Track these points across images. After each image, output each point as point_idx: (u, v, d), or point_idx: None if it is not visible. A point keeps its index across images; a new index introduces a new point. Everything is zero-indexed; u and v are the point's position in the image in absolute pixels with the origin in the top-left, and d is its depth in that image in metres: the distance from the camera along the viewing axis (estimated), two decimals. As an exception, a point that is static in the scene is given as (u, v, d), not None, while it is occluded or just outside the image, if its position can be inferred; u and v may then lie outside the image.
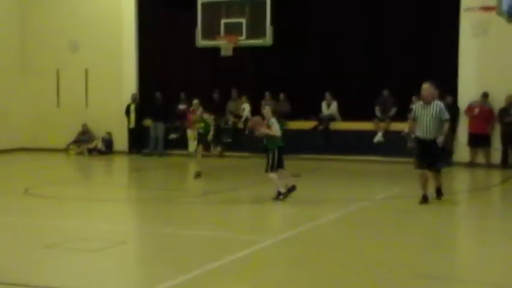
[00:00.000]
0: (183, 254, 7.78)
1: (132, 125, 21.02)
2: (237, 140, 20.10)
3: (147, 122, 20.97)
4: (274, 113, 12.27)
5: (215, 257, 7.42)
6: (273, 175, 11.31)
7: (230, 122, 20.47)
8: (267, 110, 11.69)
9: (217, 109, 20.61)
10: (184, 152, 20.14)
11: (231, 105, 20.66)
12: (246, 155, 19.60)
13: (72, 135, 21.34)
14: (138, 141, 21.04)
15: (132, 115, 20.97)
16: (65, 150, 21.18)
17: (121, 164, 20.23)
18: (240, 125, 20.30)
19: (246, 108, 20.33)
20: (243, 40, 19.17)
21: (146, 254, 8.05)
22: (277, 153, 11.32)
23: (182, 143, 20.39)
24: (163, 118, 20.67)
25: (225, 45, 19.23)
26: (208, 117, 14.75)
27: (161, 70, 21.10)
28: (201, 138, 14.74)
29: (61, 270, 7.11)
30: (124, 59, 21.41)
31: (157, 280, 6.56)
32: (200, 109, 14.92)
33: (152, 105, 20.86)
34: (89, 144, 21.22)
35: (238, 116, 20.45)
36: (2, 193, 13.00)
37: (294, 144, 19.64)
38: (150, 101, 20.93)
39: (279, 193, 11.31)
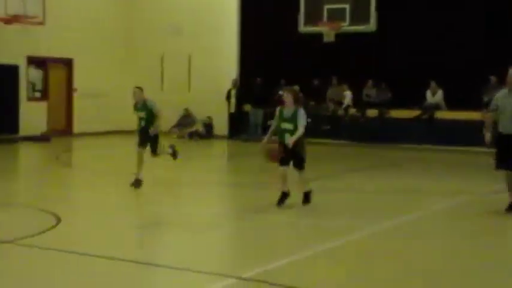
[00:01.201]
0: (277, 240, 7.70)
1: (232, 110, 21.21)
2: (335, 128, 19.85)
3: (247, 108, 21.07)
4: (297, 100, 9.32)
5: (309, 244, 7.30)
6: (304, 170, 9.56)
7: (330, 109, 20.24)
8: (286, 95, 9.27)
9: (317, 96, 20.43)
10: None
11: (331, 92, 20.40)
12: (344, 142, 19.32)
13: (174, 119, 21.78)
14: (238, 126, 21.20)
15: (233, 100, 21.14)
16: (168, 133, 21.65)
17: (220, 149, 20.46)
18: (341, 112, 20.09)
19: (347, 96, 20.05)
20: (346, 26, 18.82)
21: (242, 238, 8.03)
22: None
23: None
24: (263, 104, 20.70)
25: (327, 31, 18.96)
26: (153, 105, 11.27)
27: (262, 56, 21.11)
28: (143, 134, 11.24)
29: (160, 249, 7.22)
30: (226, 44, 21.60)
31: (252, 264, 6.51)
32: (140, 94, 11.41)
33: (252, 91, 20.93)
34: (190, 128, 21.60)
35: (338, 103, 20.19)
36: (109, 173, 13.45)
37: (394, 133, 19.10)
38: (250, 86, 21.01)
39: (308, 193, 9.66)
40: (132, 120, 22.16)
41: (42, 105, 20.77)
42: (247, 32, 21.51)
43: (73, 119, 21.69)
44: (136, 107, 11.48)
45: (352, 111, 20.14)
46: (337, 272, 6.45)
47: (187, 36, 21.97)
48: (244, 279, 6.05)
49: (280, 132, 9.31)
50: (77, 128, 21.62)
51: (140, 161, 11.08)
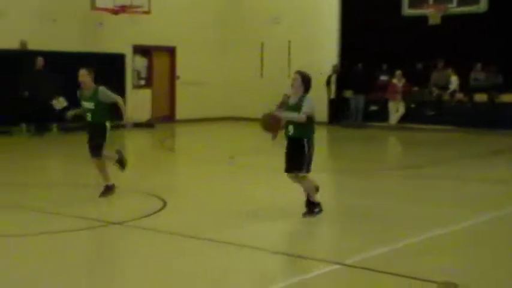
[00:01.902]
0: (380, 227, 7.55)
1: (333, 95, 21.00)
2: (440, 113, 19.25)
3: (348, 93, 20.80)
4: (306, 85, 7.74)
5: (412, 232, 7.12)
6: (309, 177, 7.84)
7: (434, 94, 19.63)
8: (295, 77, 7.81)
9: (420, 80, 19.87)
10: (384, 124, 19.74)
11: (435, 77, 19.77)
12: (449, 128, 18.70)
13: (273, 106, 21.76)
14: (338, 112, 20.98)
15: (333, 86, 20.93)
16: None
17: (320, 135, 20.29)
18: (446, 97, 19.45)
19: (454, 81, 19.40)
20: (454, 8, 18.14)
21: (343, 224, 7.94)
22: (312, 145, 7.74)
23: (383, 115, 19.99)
24: (364, 90, 20.37)
25: (433, 13, 18.36)
26: (108, 95, 9.10)
27: (363, 40, 20.74)
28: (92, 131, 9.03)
29: (262, 233, 7.26)
30: (325, 29, 21.39)
31: (357, 250, 6.42)
32: (87, 79, 8.92)
33: (353, 76, 20.63)
34: (289, 115, 21.56)
35: (443, 88, 19.54)
36: (210, 158, 13.69)
37: (505, 119, 18.28)
38: (351, 71, 20.71)
39: (315, 204, 7.88)
40: (233, 106, 22.71)
41: (147, 93, 21.40)
42: (347, 17, 21.18)
43: (175, 106, 22.22)
44: (83, 96, 8.96)
45: (459, 96, 19.43)
46: (443, 260, 6.24)
47: (287, 23, 21.92)
48: (348, 265, 5.97)
49: (286, 125, 7.72)
50: (179, 114, 22.14)
51: (101, 168, 8.93)
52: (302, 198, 7.94)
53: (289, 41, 21.94)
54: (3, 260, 6.16)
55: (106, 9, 18.48)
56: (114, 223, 7.61)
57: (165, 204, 8.59)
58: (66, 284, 5.50)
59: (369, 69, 20.42)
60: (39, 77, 16.77)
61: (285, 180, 8.04)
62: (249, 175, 11.48)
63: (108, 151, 9.10)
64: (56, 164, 13.62)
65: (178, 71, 22.08)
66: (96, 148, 8.88)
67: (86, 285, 5.62)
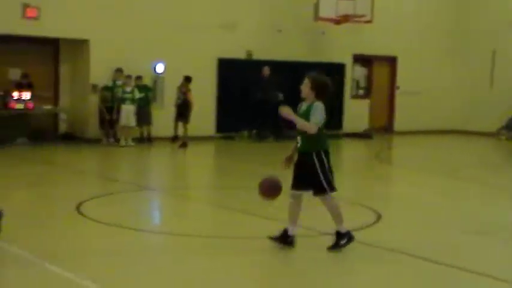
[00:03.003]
0: None
1: None
2: None
3: None
4: (316, 90, 6.64)
5: None
6: (332, 198, 6.75)
7: None
8: (305, 83, 6.68)
9: None
10: None
11: None
12: None
13: (503, 119, 20.33)
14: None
15: None
16: (495, 135, 20.28)
17: None
18: None
19: None
20: None
21: None
22: (327, 160, 6.67)
23: None
24: None
25: None
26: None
27: None
28: None
29: (480, 257, 6.67)
30: None
31: None
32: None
33: None
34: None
35: None
36: (429, 172, 13.10)
37: None
38: None
39: (339, 236, 6.75)
40: (457, 119, 21.57)
41: (365, 103, 21.18)
42: None
43: (394, 117, 21.71)
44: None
45: None
46: None
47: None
48: None
49: (296, 138, 6.76)
50: (398, 125, 21.59)
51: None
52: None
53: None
54: (231, 259, 6.34)
55: (329, 19, 18.63)
56: (325, 233, 7.49)
57: (379, 217, 8.30)
58: None
59: None
60: (266, 84, 17.50)
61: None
62: (479, 191, 10.72)
63: None
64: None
65: (399, 81, 21.56)
66: None
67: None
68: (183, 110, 15.92)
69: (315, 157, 6.57)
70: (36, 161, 13.36)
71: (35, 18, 15.25)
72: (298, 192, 6.74)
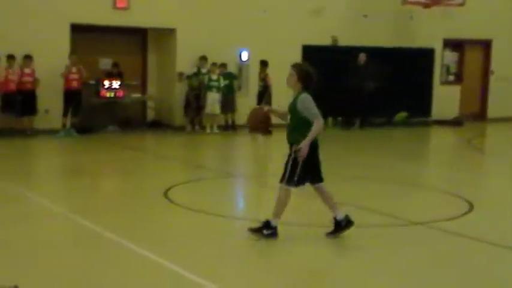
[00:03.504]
0: None
1: None
2: None
3: None
4: (302, 81, 6.39)
5: None
6: (287, 191, 6.36)
7: None
8: (290, 73, 6.43)
9: None
10: None
11: None
12: None
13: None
14: None
15: None
16: None
17: None
18: None
19: None
20: None
21: None
22: (311, 156, 6.24)
23: None
24: None
25: None
26: None
27: None
28: None
29: None
30: None
31: None
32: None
33: None
34: None
35: None
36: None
37: None
38: None
39: (266, 225, 6.37)
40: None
41: (456, 89, 20.45)
42: None
43: (487, 103, 20.86)
44: None
45: None
46: None
47: None
48: None
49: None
50: (491, 112, 20.74)
51: None
52: None
53: None
54: (297, 248, 6.26)
55: (418, 3, 18.07)
56: (415, 223, 7.26)
57: (471, 207, 7.97)
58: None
59: None
60: (361, 72, 17.22)
61: None
62: None
63: None
64: (370, 160, 13.69)
65: (493, 66, 20.67)
66: None
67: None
68: (263, 97, 15.96)
69: (293, 150, 6.24)
70: (126, 147, 13.69)
71: (125, 9, 15.59)
72: (314, 187, 6.44)
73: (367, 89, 16.97)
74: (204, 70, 16.15)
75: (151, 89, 17.05)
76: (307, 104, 6.24)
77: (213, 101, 15.97)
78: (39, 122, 14.53)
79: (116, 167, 11.35)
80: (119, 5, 15.52)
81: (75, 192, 9.00)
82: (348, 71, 17.22)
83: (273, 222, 6.34)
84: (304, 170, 6.23)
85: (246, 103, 16.49)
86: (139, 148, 13.97)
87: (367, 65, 17.30)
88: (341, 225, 6.43)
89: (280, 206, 6.35)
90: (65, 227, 7.09)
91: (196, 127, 16.20)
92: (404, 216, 7.50)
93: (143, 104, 16.95)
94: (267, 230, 6.32)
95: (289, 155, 6.30)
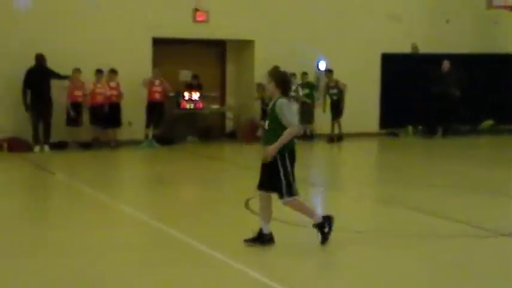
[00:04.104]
0: None
1: None
2: None
3: None
4: (280, 86, 6.28)
5: None
6: (294, 200, 6.41)
7: None
8: (267, 80, 6.39)
9: None
10: None
11: None
12: None
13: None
14: None
15: None
16: None
17: None
18: None
19: None
20: None
21: None
22: (289, 160, 6.31)
23: None
24: None
25: None
26: None
27: None
28: None
29: None
30: None
31: None
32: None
33: None
34: None
35: None
36: None
37: None
38: None
39: (319, 226, 6.49)
40: None
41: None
42: None
43: None
44: None
45: None
46: None
47: None
48: None
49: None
50: None
51: None
52: None
53: None
54: (367, 255, 6.11)
55: (503, 7, 17.47)
56: (504, 235, 6.97)
57: None
58: None
59: None
60: (445, 79, 16.82)
61: None
62: None
63: None
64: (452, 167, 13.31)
65: None
66: None
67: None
68: (336, 105, 16.00)
69: (278, 159, 6.21)
70: (205, 157, 13.86)
71: (205, 22, 15.84)
72: (263, 193, 6.40)
73: (452, 97, 16.59)
74: (278, 80, 16.12)
75: (230, 100, 17.21)
76: (285, 109, 6.17)
77: (291, 111, 15.94)
78: (123, 133, 14.93)
79: (196, 177, 11.51)
80: (198, 18, 15.80)
81: (157, 201, 9.17)
82: (429, 78, 16.84)
83: (317, 220, 6.44)
84: (293, 175, 6.29)
85: (321, 113, 16.38)
86: (218, 158, 14.12)
87: (451, 72, 16.89)
88: (264, 239, 6.40)
89: (305, 211, 6.50)
90: (147, 233, 7.20)
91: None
92: (495, 228, 7.22)
93: (222, 115, 17.13)
94: (324, 228, 6.42)
95: (273, 163, 6.23)
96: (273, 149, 6.12)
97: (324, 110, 16.28)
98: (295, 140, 6.40)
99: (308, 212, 6.51)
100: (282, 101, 6.19)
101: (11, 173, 11.74)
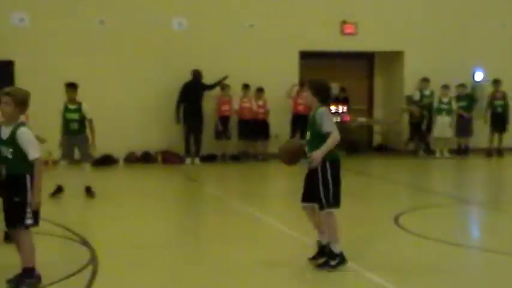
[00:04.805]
0: None
1: None
2: None
3: None
4: (319, 95, 6.08)
5: None
6: (330, 214, 6.04)
7: None
8: (307, 92, 6.20)
9: None
10: None
11: None
12: None
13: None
14: None
15: None
16: None
17: None
18: None
19: None
20: None
21: None
22: (334, 170, 6.06)
23: None
24: None
25: None
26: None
27: None
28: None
29: None
30: None
31: None
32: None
33: None
34: None
35: None
36: None
37: None
38: None
39: (330, 256, 6.03)
40: None
41: None
42: None
43: None
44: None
45: None
46: None
47: None
48: None
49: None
50: None
51: None
52: None
53: None
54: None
55: None
56: None
57: None
58: None
59: None
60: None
61: None
62: None
63: None
64: None
65: None
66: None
67: None
68: (501, 118, 15.09)
69: (319, 168, 6.03)
70: (352, 171, 13.59)
71: (353, 34, 15.65)
72: (307, 205, 6.21)
73: None
74: (426, 92, 15.58)
75: (377, 113, 16.85)
76: (323, 117, 6.05)
77: (442, 124, 15.31)
78: (270, 146, 15.06)
79: (346, 192, 11.23)
80: (347, 30, 15.65)
81: (303, 215, 9.05)
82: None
83: (336, 250, 6.06)
84: (337, 185, 6.07)
85: (482, 125, 15.54)
86: (365, 172, 13.80)
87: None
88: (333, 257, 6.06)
89: (333, 230, 6.09)
90: (296, 248, 7.08)
91: (421, 152, 15.55)
92: None
93: (369, 128, 16.80)
94: (333, 260, 6.04)
95: (315, 173, 6.06)
96: (319, 153, 6.00)
97: (486, 122, 15.47)
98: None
99: (336, 235, 6.10)
100: (322, 110, 6.10)
101: (164, 181, 12.34)
